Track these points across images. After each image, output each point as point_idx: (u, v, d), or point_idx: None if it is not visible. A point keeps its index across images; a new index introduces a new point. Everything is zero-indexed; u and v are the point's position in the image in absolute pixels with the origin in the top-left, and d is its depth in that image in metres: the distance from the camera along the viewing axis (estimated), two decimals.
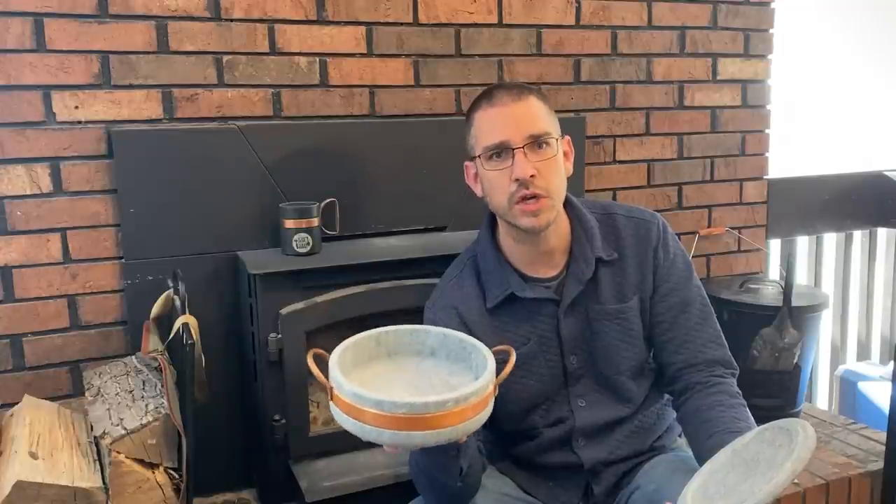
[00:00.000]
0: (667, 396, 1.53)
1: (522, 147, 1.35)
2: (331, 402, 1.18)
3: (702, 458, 1.28)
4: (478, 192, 1.47)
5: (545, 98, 1.42)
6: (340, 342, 1.28)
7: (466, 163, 1.47)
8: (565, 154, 1.44)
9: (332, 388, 1.16)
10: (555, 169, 1.38)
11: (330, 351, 1.24)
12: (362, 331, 1.33)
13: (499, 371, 1.23)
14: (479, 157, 1.40)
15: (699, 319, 1.45)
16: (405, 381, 1.27)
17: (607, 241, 1.46)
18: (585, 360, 1.46)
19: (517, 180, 1.35)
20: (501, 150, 1.36)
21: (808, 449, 1.05)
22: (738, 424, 1.31)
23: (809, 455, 1.05)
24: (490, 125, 1.38)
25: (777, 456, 1.07)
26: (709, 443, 1.29)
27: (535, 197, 1.35)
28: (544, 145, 1.36)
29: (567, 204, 1.47)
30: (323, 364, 1.20)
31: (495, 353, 1.26)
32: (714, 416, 1.34)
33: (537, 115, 1.38)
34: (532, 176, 1.34)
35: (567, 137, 1.44)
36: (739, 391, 1.41)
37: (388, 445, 1.16)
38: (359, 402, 1.11)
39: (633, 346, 1.46)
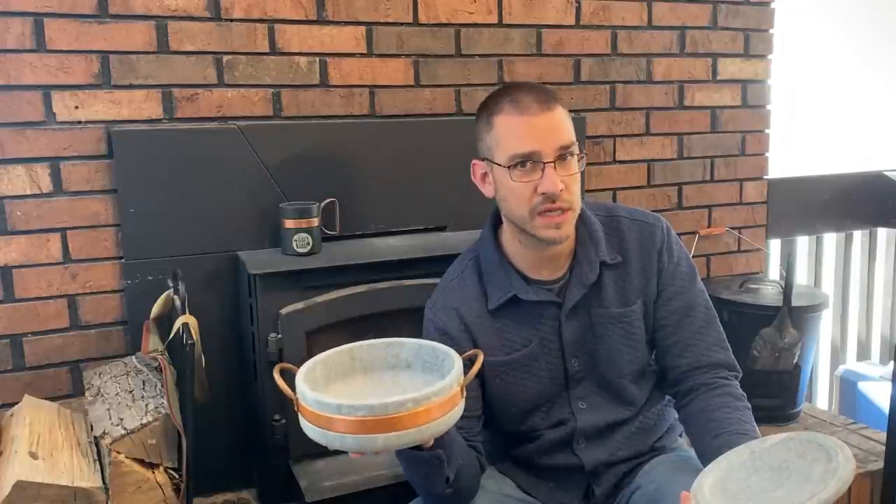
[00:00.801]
0: (668, 397, 1.53)
1: (553, 161, 1.32)
2: (299, 415, 1.17)
3: (706, 457, 1.28)
4: (486, 192, 1.44)
5: (564, 104, 1.39)
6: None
7: (475, 161, 1.43)
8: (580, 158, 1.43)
9: (296, 399, 1.15)
10: (577, 182, 1.36)
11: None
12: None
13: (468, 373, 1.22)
14: (500, 164, 1.35)
15: (703, 323, 1.45)
16: (379, 394, 1.26)
17: (611, 245, 1.45)
18: (587, 364, 1.45)
19: (544, 194, 1.32)
20: (528, 162, 1.33)
21: (850, 471, 1.02)
22: (745, 426, 1.31)
23: (852, 478, 1.02)
24: (517, 133, 1.33)
25: (813, 471, 1.05)
26: (715, 442, 1.29)
27: (560, 209, 1.34)
28: (569, 157, 1.34)
29: None
30: (291, 378, 1.19)
31: (466, 358, 1.25)
32: (720, 416, 1.34)
33: (565, 125, 1.35)
34: (561, 190, 1.32)
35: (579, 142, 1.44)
36: (744, 394, 1.41)
37: (354, 451, 1.14)
38: (320, 409, 1.10)
39: (636, 349, 1.45)
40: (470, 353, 1.27)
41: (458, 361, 1.21)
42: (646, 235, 1.46)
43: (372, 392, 1.26)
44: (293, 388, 1.17)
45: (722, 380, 1.41)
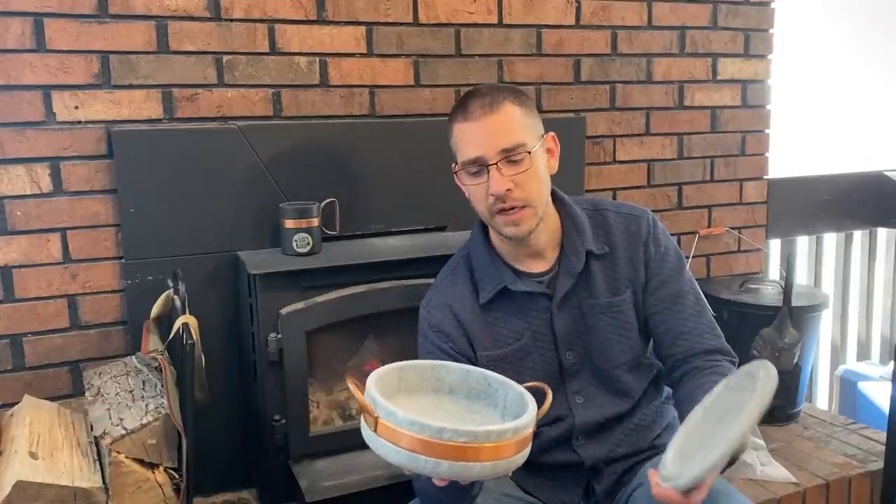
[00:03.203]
0: (665, 393, 1.54)
1: (496, 163, 1.35)
2: (373, 433, 1.09)
3: None
4: (466, 194, 1.48)
5: (522, 98, 1.41)
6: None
7: (453, 164, 1.47)
8: (549, 151, 1.44)
9: (377, 418, 1.08)
10: (532, 178, 1.38)
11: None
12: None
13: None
14: (459, 169, 1.42)
15: (694, 311, 1.47)
16: (431, 417, 1.24)
17: (598, 236, 1.48)
18: (581, 356, 1.47)
19: (493, 195, 1.36)
20: (477, 165, 1.37)
21: (771, 382, 1.06)
22: None
23: (773, 387, 1.06)
24: (465, 139, 1.39)
25: (744, 399, 1.08)
26: None
27: (512, 208, 1.37)
28: (519, 157, 1.36)
29: (557, 200, 1.48)
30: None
31: (528, 389, 1.24)
32: (706, 389, 1.34)
33: (511, 125, 1.37)
34: (509, 190, 1.35)
35: (551, 134, 1.45)
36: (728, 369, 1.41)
37: (441, 479, 1.08)
38: (416, 431, 1.03)
39: (629, 338, 1.47)
40: (533, 384, 1.26)
41: (526, 394, 1.20)
42: (632, 227, 1.49)
43: (421, 415, 1.23)
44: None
45: (716, 363, 1.42)
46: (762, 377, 1.09)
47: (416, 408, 1.25)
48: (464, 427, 1.05)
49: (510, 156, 1.35)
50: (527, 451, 1.14)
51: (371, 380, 1.17)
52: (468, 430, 1.05)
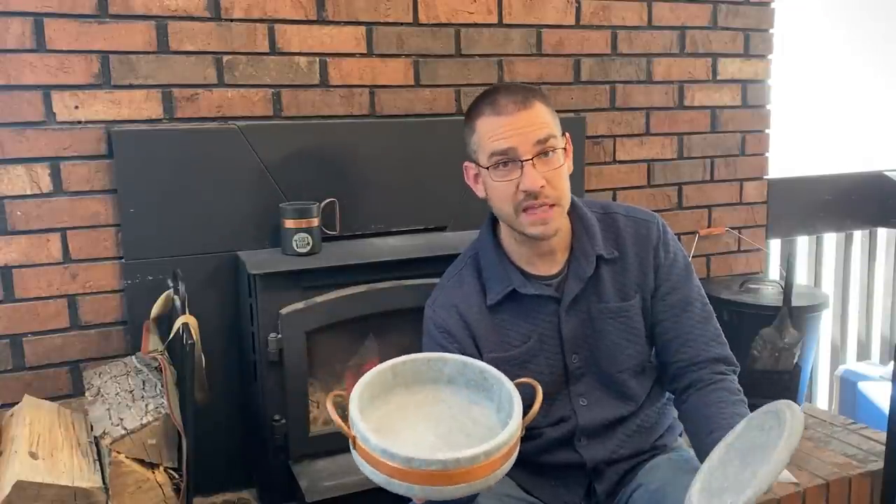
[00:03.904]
0: (668, 395, 1.53)
1: (531, 159, 1.34)
2: (353, 450, 1.13)
3: (703, 453, 1.29)
4: (478, 192, 1.47)
5: (547, 99, 1.41)
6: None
7: (466, 163, 1.46)
8: (565, 151, 1.44)
9: (354, 438, 1.11)
10: (563, 176, 1.38)
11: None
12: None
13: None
14: (483, 165, 1.39)
15: (700, 318, 1.46)
16: (426, 417, 1.24)
17: (607, 240, 1.47)
18: (587, 359, 1.46)
19: (525, 191, 1.34)
20: (508, 161, 1.35)
21: (798, 423, 1.06)
22: (739, 421, 1.31)
23: (801, 429, 1.06)
24: (494, 134, 1.36)
25: (770, 439, 1.08)
26: (710, 439, 1.29)
27: (543, 205, 1.35)
28: (551, 153, 1.36)
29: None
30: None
31: (518, 387, 1.24)
32: (715, 412, 1.35)
33: (543, 121, 1.36)
34: (542, 187, 1.34)
35: (567, 135, 1.45)
36: (741, 388, 1.42)
37: (418, 498, 1.12)
38: (387, 459, 1.07)
39: (636, 343, 1.46)
40: (524, 380, 1.26)
41: (516, 399, 1.19)
42: (642, 231, 1.48)
43: (415, 414, 1.23)
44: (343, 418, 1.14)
45: (719, 375, 1.42)
46: (788, 418, 1.08)
47: (415, 402, 1.26)
48: (433, 457, 1.06)
49: (544, 148, 1.34)
50: (508, 465, 1.14)
51: (355, 393, 1.18)
52: (436, 460, 1.06)
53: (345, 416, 1.16)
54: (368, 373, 1.25)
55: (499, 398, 1.25)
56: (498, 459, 1.10)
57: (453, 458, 1.06)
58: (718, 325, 1.49)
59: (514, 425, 1.14)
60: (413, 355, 1.31)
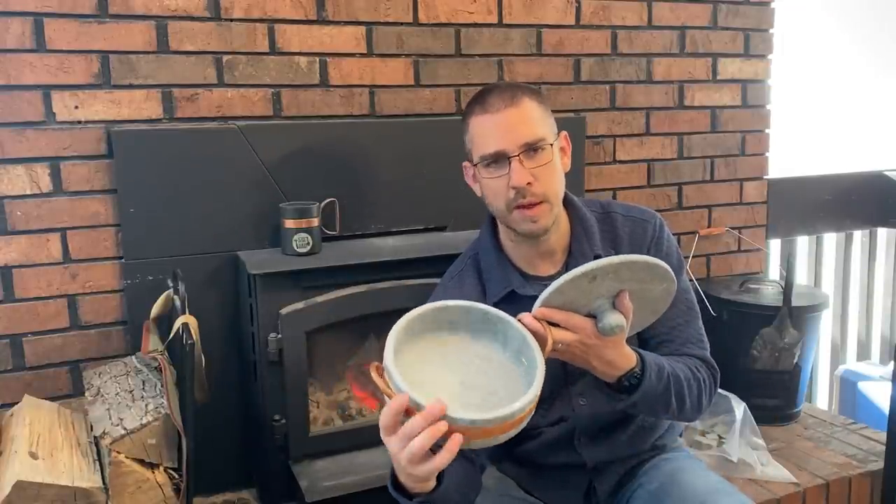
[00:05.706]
0: None
1: (518, 155, 1.34)
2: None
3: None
4: (477, 192, 1.47)
5: (540, 96, 1.41)
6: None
7: (465, 163, 1.47)
8: (562, 150, 1.43)
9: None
10: (552, 172, 1.37)
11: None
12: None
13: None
14: (476, 163, 1.40)
15: (683, 319, 1.45)
16: (441, 365, 1.22)
17: (605, 240, 1.47)
18: None
19: (514, 188, 1.35)
20: (497, 159, 1.36)
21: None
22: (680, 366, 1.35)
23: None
24: (484, 133, 1.37)
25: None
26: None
27: (531, 203, 1.36)
28: (540, 150, 1.36)
29: (566, 202, 1.47)
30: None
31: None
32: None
33: (532, 118, 1.36)
34: (529, 184, 1.34)
35: (564, 133, 1.44)
36: (704, 375, 1.40)
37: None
38: (451, 423, 1.07)
39: (634, 343, 1.45)
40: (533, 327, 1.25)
41: (526, 332, 1.21)
42: (638, 231, 1.48)
43: (438, 362, 1.22)
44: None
45: (694, 365, 1.41)
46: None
47: (431, 352, 1.24)
48: (492, 414, 1.10)
49: (531, 144, 1.34)
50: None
51: (392, 363, 1.17)
52: (496, 417, 1.10)
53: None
54: (392, 339, 1.21)
55: (504, 336, 1.25)
56: (525, 416, 1.14)
57: (509, 412, 1.10)
58: (702, 328, 1.48)
59: (539, 372, 1.16)
60: (416, 310, 1.24)
